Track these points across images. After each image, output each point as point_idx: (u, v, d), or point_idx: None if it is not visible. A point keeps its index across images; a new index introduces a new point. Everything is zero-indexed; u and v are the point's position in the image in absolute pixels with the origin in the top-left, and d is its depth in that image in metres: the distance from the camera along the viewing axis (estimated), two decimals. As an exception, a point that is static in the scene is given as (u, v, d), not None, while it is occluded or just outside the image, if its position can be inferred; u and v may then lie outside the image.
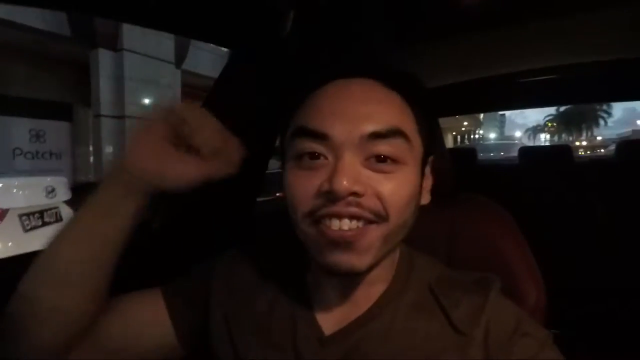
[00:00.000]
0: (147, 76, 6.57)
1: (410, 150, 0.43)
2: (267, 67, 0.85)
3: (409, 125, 0.43)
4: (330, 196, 0.39)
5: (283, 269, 0.52)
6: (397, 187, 0.41)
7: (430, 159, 0.49)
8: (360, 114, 0.41)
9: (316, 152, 0.42)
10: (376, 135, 0.41)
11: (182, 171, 0.45)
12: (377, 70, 0.45)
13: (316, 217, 0.41)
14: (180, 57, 7.08)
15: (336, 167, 0.40)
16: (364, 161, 0.41)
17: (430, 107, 0.48)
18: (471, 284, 0.47)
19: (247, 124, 0.81)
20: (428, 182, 0.49)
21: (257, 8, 0.76)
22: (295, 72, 0.88)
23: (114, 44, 6.23)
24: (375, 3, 0.86)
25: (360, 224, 0.40)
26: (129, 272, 0.60)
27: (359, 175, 0.40)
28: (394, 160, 0.41)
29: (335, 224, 0.40)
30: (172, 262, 0.66)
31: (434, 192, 0.50)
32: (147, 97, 6.67)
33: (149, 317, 0.52)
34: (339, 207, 0.39)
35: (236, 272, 0.54)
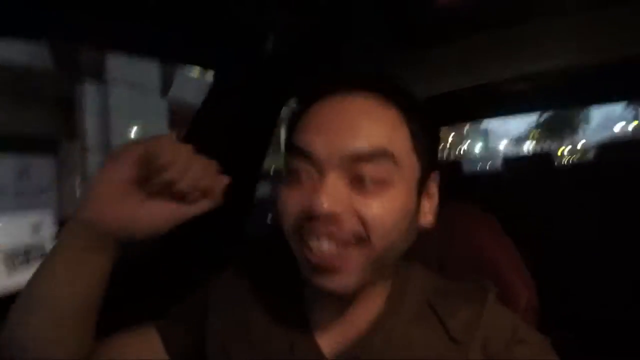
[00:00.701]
0: (133, 106, 6.57)
1: (398, 171, 0.41)
2: (250, 87, 0.86)
3: (400, 143, 0.42)
4: (310, 215, 0.39)
5: (279, 287, 0.51)
6: (381, 209, 0.40)
7: (435, 176, 0.47)
8: (345, 131, 0.40)
9: (302, 170, 0.41)
10: (359, 157, 0.40)
11: (156, 217, 0.42)
12: (371, 84, 0.44)
13: (300, 234, 0.41)
14: (166, 86, 7.12)
15: (318, 185, 0.39)
16: (348, 181, 0.40)
17: (431, 122, 0.47)
18: (467, 293, 0.46)
19: (233, 144, 0.85)
20: (431, 202, 0.47)
21: (236, 30, 0.79)
22: (277, 92, 0.91)
23: (100, 76, 6.25)
24: (371, 10, 0.86)
25: (340, 246, 0.40)
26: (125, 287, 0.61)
27: (340, 195, 0.39)
28: (379, 182, 0.40)
29: (314, 243, 0.40)
30: (164, 279, 0.68)
31: None
32: (134, 126, 6.67)
33: (146, 354, 0.52)
34: (318, 227, 0.39)
35: (231, 293, 0.53)
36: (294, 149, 0.43)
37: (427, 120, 0.46)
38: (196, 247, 0.84)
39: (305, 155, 0.41)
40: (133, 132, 6.71)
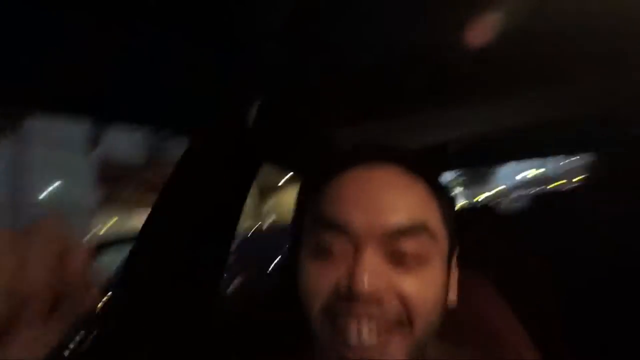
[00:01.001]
0: (53, 163, 6.03)
1: (434, 245, 0.39)
2: (227, 152, 0.84)
3: (433, 216, 0.40)
4: (348, 295, 0.35)
5: None
6: (423, 288, 0.37)
7: (456, 251, 0.45)
8: (383, 204, 0.38)
9: (334, 244, 0.38)
10: (400, 231, 0.37)
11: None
12: (400, 157, 0.43)
13: (332, 316, 0.37)
14: (93, 142, 6.67)
15: (356, 262, 0.36)
16: (386, 257, 0.37)
17: (453, 196, 0.46)
18: None
19: (207, 208, 0.83)
20: (454, 277, 0.45)
21: (218, 94, 0.76)
22: (257, 161, 0.91)
23: (14, 131, 5.68)
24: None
25: (382, 331, 0.36)
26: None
27: (380, 273, 0.36)
28: (418, 258, 0.38)
29: (353, 327, 0.36)
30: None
31: None
32: (53, 184, 6.11)
33: None
34: (357, 308, 0.36)
35: None
36: (324, 222, 0.39)
37: (450, 193, 0.45)
38: (167, 312, 0.77)
39: (340, 229, 0.38)
40: (50, 190, 6.16)
